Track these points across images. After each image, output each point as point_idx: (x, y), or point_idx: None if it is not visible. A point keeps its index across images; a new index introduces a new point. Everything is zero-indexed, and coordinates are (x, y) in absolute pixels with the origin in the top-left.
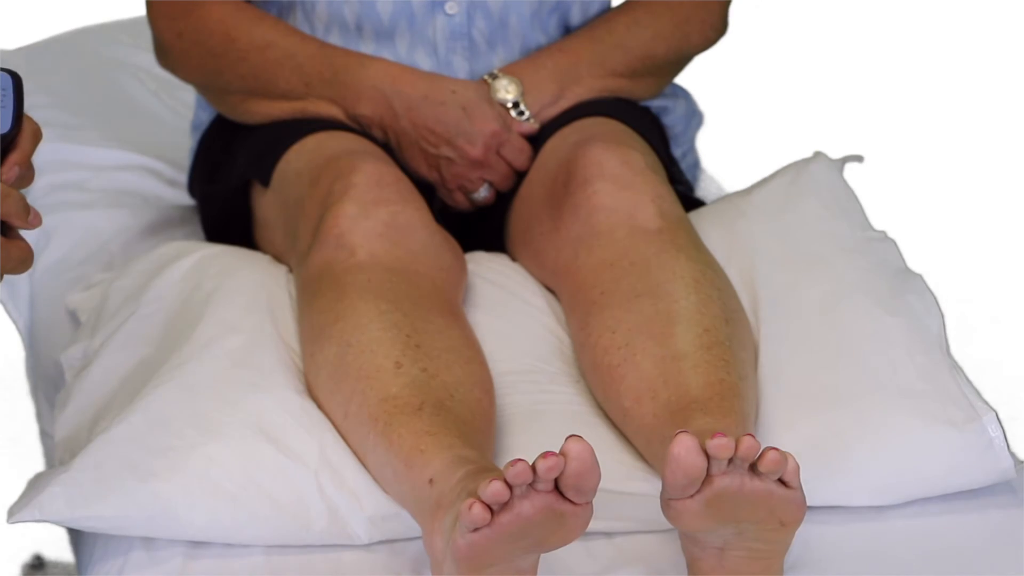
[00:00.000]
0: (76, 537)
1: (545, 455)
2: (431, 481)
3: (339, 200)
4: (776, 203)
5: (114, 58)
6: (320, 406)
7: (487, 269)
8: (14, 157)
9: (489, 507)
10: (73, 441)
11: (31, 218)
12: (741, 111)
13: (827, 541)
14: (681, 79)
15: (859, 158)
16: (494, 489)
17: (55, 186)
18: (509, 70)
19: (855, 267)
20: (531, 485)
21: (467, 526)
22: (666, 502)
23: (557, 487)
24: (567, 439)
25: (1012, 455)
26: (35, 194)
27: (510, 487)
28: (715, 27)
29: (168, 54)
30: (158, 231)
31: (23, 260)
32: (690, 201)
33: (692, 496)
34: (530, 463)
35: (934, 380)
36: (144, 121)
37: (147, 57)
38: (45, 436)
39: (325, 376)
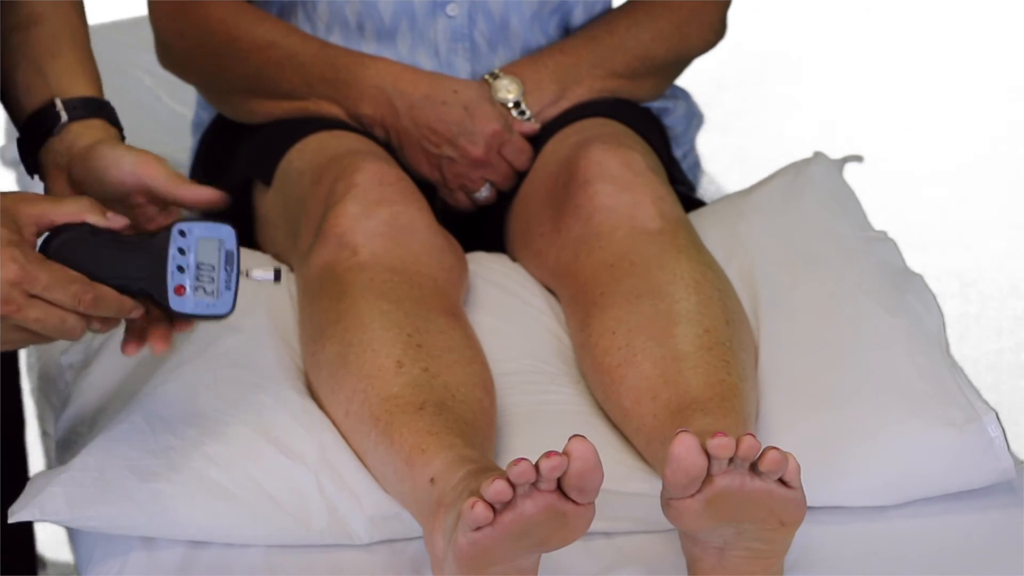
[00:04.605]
0: (76, 537)
1: (548, 455)
2: (432, 480)
3: (341, 199)
4: (776, 203)
5: (115, 58)
6: (321, 405)
7: (488, 269)
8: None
9: (492, 506)
10: (73, 441)
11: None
12: (741, 111)
13: (827, 541)
14: (681, 80)
15: (859, 158)
16: (497, 488)
17: None
18: (510, 70)
19: (855, 267)
20: (534, 485)
21: (469, 525)
22: (666, 502)
23: (560, 487)
24: (571, 439)
25: (1012, 455)
26: None
27: (513, 486)
28: (714, 29)
29: (170, 54)
30: None
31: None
32: (691, 202)
33: (692, 496)
34: (532, 463)
35: (934, 380)
36: (145, 120)
37: (148, 57)
38: (45, 436)
39: (326, 375)
